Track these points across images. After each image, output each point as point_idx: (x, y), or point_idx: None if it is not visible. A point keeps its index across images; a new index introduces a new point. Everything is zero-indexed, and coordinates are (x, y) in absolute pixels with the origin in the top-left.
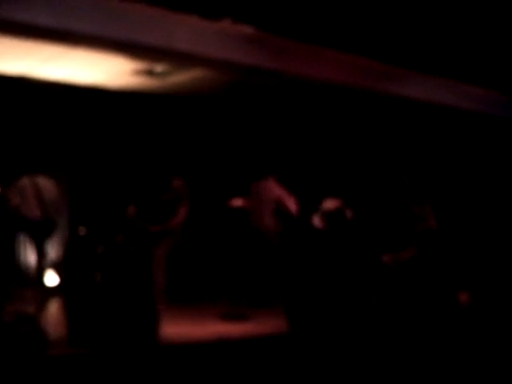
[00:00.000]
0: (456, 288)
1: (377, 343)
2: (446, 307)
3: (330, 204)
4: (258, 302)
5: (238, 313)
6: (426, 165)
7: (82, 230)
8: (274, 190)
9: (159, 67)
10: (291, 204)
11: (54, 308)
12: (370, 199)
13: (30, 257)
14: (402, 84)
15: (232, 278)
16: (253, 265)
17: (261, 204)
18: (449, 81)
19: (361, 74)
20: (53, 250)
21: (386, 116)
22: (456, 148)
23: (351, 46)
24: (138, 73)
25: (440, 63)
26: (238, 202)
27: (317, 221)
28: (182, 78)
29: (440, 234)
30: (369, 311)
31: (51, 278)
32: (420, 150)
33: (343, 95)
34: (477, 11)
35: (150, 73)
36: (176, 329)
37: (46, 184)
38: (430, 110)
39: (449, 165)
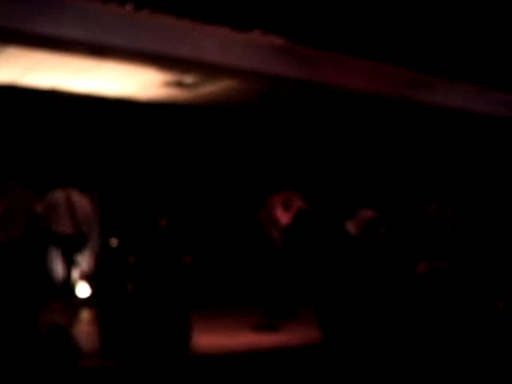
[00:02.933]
0: (490, 297)
1: (411, 352)
2: (481, 316)
3: (366, 213)
4: (287, 312)
5: (269, 323)
6: (460, 173)
7: (114, 242)
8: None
9: (189, 78)
10: (281, 215)
11: (86, 319)
12: (404, 208)
13: (62, 269)
14: (432, 92)
15: (264, 288)
16: (285, 274)
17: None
18: (480, 88)
19: (391, 83)
20: (84, 262)
21: (417, 124)
22: (488, 155)
23: (380, 55)
24: (168, 84)
25: (470, 70)
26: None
27: (351, 227)
28: (211, 88)
29: (474, 244)
30: (403, 320)
31: (83, 290)
32: (452, 158)
33: (374, 104)
34: (507, 19)
35: (179, 84)
36: (208, 339)
37: (79, 199)
38: (462, 117)
39: (482, 172)
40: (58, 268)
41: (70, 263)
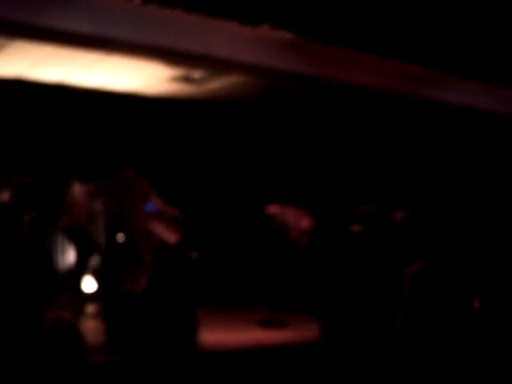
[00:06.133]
0: (469, 294)
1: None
2: (462, 313)
3: (367, 208)
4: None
5: (276, 319)
6: (467, 170)
7: (120, 237)
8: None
9: (196, 73)
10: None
11: (92, 314)
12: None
13: (68, 263)
14: (442, 89)
15: (267, 283)
16: (286, 270)
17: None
18: (490, 85)
19: (400, 79)
20: (91, 256)
21: (426, 122)
22: (497, 154)
23: (390, 51)
24: (175, 79)
25: (480, 67)
26: (274, 209)
27: (354, 225)
28: (219, 84)
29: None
30: (396, 318)
31: (89, 284)
32: (460, 156)
33: (383, 101)
34: None
35: (187, 79)
36: (215, 335)
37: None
38: (471, 115)
39: (490, 171)
40: (64, 262)
41: (79, 258)
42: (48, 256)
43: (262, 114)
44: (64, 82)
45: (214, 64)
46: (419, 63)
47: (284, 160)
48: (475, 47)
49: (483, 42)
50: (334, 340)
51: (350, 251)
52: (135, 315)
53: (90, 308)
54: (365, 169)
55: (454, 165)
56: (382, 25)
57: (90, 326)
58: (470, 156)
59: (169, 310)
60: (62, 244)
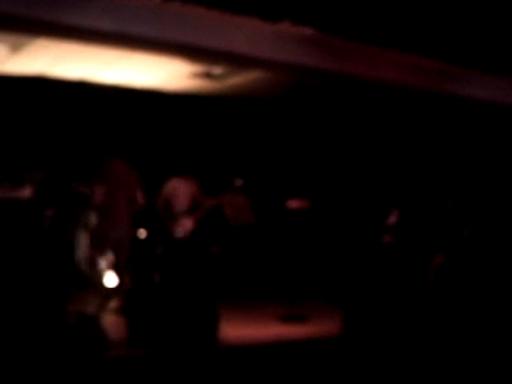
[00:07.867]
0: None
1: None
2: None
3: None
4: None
5: (297, 314)
6: (492, 167)
7: (142, 233)
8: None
9: (217, 69)
10: None
11: (113, 309)
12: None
13: (90, 258)
14: (466, 84)
15: (288, 278)
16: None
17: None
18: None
19: (422, 75)
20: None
21: (450, 117)
22: None
23: (412, 46)
24: (196, 75)
25: (504, 62)
26: (295, 203)
27: (391, 218)
28: (240, 80)
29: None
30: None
31: (111, 279)
32: (485, 152)
33: (404, 96)
34: None
35: (208, 75)
36: (236, 330)
37: None
38: (495, 110)
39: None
40: (86, 257)
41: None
42: (70, 251)
43: (283, 109)
44: (86, 79)
45: (234, 60)
46: (442, 58)
47: (305, 156)
48: (498, 42)
49: (507, 37)
50: (357, 334)
51: (377, 246)
52: (156, 310)
53: (112, 303)
54: (389, 162)
55: (478, 159)
56: (404, 20)
57: (112, 321)
58: (494, 151)
59: (190, 305)
60: (84, 239)
